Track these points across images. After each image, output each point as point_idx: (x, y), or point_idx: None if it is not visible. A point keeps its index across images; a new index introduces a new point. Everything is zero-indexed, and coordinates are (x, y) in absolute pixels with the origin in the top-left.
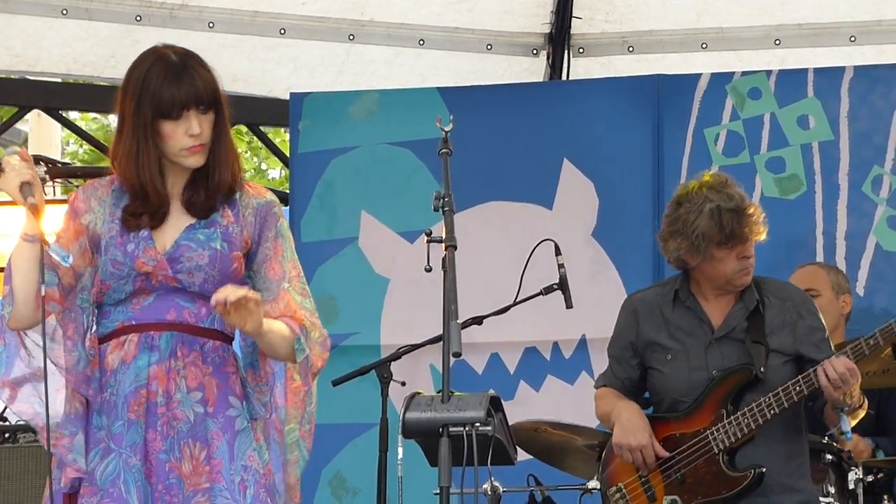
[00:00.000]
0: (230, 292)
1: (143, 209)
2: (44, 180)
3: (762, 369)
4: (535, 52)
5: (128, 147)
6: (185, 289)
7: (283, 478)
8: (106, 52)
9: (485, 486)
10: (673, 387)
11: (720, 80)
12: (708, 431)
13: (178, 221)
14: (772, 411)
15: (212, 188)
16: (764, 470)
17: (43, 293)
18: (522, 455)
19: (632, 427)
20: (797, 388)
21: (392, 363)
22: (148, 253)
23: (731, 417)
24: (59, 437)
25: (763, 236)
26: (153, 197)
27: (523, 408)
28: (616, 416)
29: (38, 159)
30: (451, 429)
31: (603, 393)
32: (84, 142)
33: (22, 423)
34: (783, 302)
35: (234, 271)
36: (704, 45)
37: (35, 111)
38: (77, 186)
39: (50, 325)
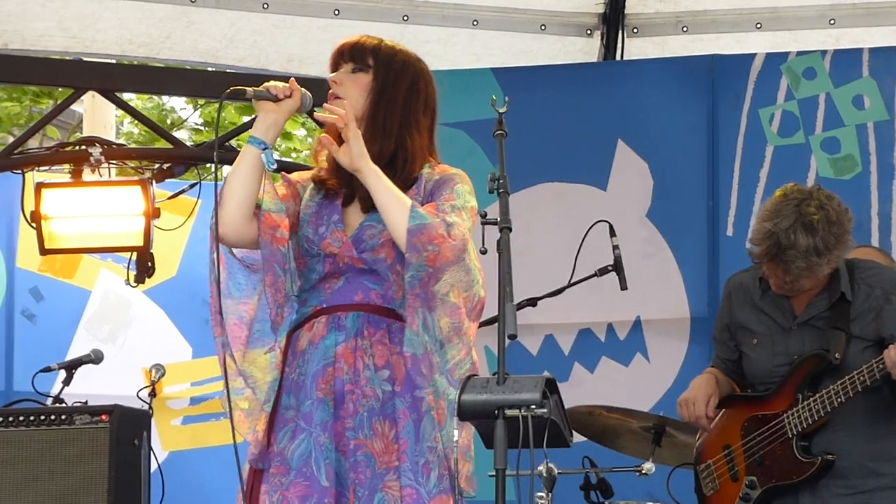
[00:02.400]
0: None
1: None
2: (98, 161)
3: (837, 355)
4: (588, 32)
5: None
6: (373, 270)
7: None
8: (161, 34)
9: (540, 468)
10: (758, 371)
11: (775, 60)
12: (785, 415)
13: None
14: (839, 399)
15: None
16: (832, 458)
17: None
18: (577, 437)
19: (693, 385)
20: (865, 374)
21: None
22: (335, 235)
23: (805, 403)
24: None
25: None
26: (337, 171)
27: (578, 389)
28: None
29: (92, 141)
30: (506, 411)
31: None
32: (139, 123)
33: (78, 404)
34: (872, 289)
35: None
36: (759, 25)
37: (90, 92)
38: (132, 168)
39: (256, 258)
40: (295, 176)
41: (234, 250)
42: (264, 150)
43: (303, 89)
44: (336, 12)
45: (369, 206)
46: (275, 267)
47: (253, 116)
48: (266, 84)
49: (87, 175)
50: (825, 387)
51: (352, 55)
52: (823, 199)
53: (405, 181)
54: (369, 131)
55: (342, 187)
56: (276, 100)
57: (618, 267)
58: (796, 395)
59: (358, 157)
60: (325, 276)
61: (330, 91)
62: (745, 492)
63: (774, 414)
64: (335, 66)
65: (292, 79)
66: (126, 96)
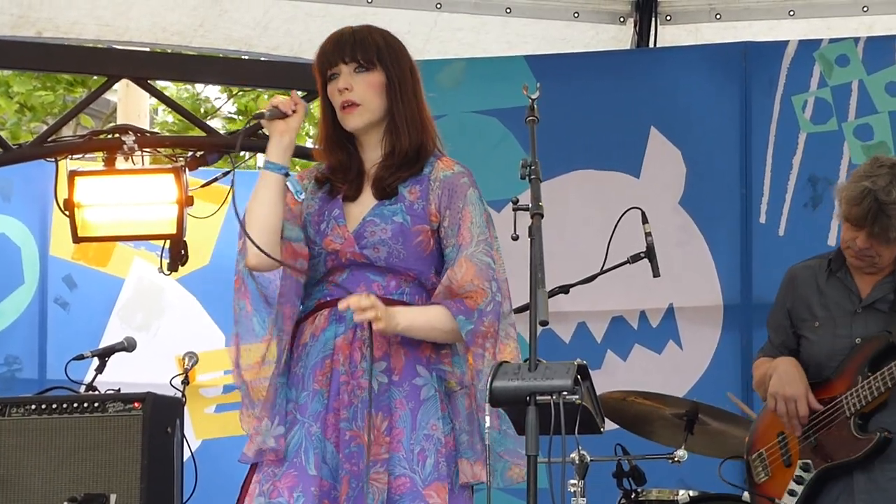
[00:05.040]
0: (353, 303)
1: (341, 179)
2: (132, 149)
3: None
4: (622, 19)
5: (319, 126)
6: (373, 264)
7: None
8: (194, 22)
9: (572, 455)
10: (818, 354)
11: (808, 48)
12: (843, 396)
13: (369, 198)
14: None
15: (397, 159)
16: (889, 434)
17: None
18: (610, 425)
19: (788, 377)
20: None
21: None
22: (336, 231)
23: (864, 382)
24: (251, 417)
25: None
26: (343, 172)
27: (611, 377)
28: (773, 369)
29: (126, 129)
30: (538, 397)
31: (759, 363)
32: (173, 112)
33: (111, 391)
34: None
35: (419, 245)
36: (792, 13)
37: (124, 81)
38: (166, 156)
39: (275, 284)
40: (306, 173)
41: (258, 279)
42: (287, 175)
43: (303, 101)
44: (369, 0)
45: (373, 198)
46: (294, 298)
47: None
48: (274, 101)
49: (120, 163)
50: (886, 366)
51: (354, 55)
52: None
53: (415, 174)
54: (395, 128)
55: (348, 186)
56: (286, 116)
57: (650, 254)
58: (856, 377)
59: (392, 329)
60: (329, 270)
61: (343, 100)
62: (798, 475)
63: (832, 398)
64: (328, 66)
65: (294, 92)
66: (160, 86)
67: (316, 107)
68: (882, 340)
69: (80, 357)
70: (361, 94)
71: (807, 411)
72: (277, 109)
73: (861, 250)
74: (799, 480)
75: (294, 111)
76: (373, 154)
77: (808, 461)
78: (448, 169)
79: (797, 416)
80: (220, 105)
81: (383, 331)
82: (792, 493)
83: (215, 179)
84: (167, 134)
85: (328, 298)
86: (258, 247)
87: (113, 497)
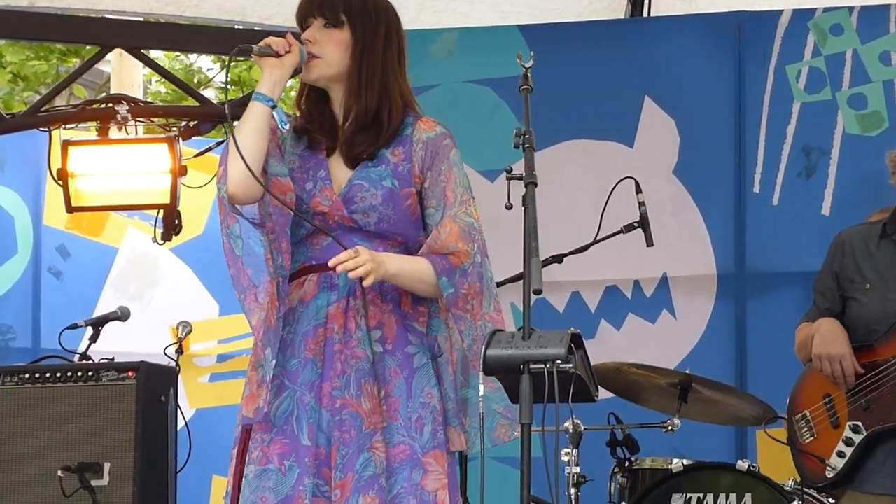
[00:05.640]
0: (343, 261)
1: (318, 129)
2: (125, 119)
3: None
4: None
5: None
6: (362, 228)
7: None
8: None
9: (566, 423)
10: (868, 315)
11: (802, 17)
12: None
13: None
14: None
15: (356, 122)
16: None
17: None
18: (604, 394)
19: (831, 336)
20: None
21: None
22: (324, 193)
23: None
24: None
25: None
26: (318, 123)
27: (604, 346)
28: (815, 330)
29: (119, 99)
30: (531, 366)
31: (801, 327)
32: (167, 82)
33: (105, 360)
34: None
35: (408, 208)
36: None
37: (117, 50)
38: (159, 125)
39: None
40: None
41: (243, 210)
42: (274, 107)
43: (300, 44)
44: None
45: (354, 160)
46: (287, 232)
47: None
48: (267, 40)
49: (113, 133)
50: None
51: (322, 10)
52: None
53: (392, 135)
54: (353, 88)
55: (325, 138)
56: (277, 55)
57: (644, 223)
58: None
59: (382, 275)
60: (314, 231)
61: (308, 51)
62: (847, 436)
63: (885, 360)
64: (303, 20)
65: (289, 34)
66: (153, 56)
67: None
68: None
69: (74, 326)
70: (322, 48)
71: (852, 370)
72: (269, 47)
73: None
74: (849, 442)
75: (288, 52)
76: (340, 111)
77: (859, 423)
78: (430, 130)
79: (843, 374)
80: (214, 75)
81: (375, 278)
82: (841, 454)
83: (209, 149)
84: (160, 104)
85: (314, 262)
86: (256, 177)
87: (107, 465)
